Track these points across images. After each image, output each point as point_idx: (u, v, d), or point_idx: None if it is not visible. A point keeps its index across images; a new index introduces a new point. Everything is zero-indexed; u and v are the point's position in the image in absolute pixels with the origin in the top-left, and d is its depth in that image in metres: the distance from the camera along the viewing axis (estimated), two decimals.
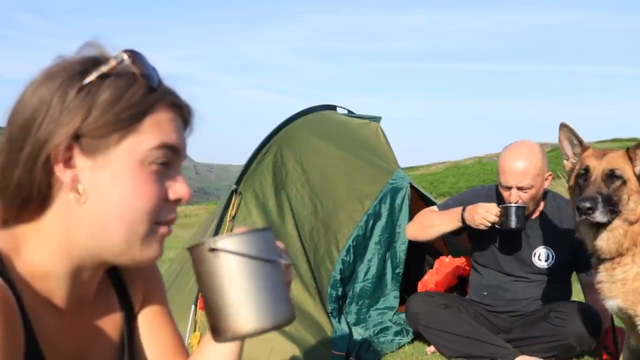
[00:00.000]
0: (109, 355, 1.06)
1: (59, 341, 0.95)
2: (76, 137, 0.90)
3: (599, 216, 2.32)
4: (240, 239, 0.85)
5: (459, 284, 4.09)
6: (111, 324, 1.07)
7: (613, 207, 2.33)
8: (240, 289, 0.83)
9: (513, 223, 3.18)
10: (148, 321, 1.15)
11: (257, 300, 0.83)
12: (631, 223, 2.34)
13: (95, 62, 0.93)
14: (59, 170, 0.91)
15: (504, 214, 3.19)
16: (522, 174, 3.16)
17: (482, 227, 3.25)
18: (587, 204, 2.31)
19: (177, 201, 0.97)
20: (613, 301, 2.42)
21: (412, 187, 4.08)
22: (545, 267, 3.36)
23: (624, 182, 2.35)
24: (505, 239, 3.40)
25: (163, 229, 0.96)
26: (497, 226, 3.24)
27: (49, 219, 0.94)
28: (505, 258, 3.43)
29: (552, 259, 3.35)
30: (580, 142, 2.54)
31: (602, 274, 2.44)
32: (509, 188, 3.21)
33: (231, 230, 3.39)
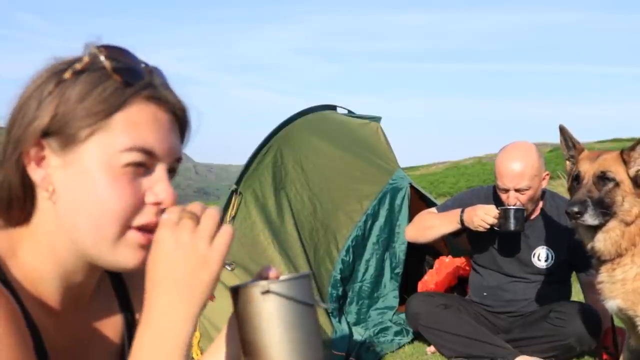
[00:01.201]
0: (109, 357, 1.06)
1: (57, 342, 0.95)
2: (46, 134, 0.88)
3: (589, 219, 2.33)
4: (292, 284, 0.90)
5: (459, 284, 4.09)
6: (111, 327, 1.06)
7: (605, 210, 2.34)
8: (287, 329, 0.89)
9: (512, 225, 3.18)
10: None
11: (302, 340, 0.89)
12: (627, 224, 2.35)
13: (78, 60, 0.91)
14: (31, 169, 0.90)
15: (503, 216, 3.18)
16: (519, 175, 3.15)
17: (480, 229, 3.24)
18: (575, 209, 2.33)
19: (157, 205, 0.91)
20: (613, 301, 2.43)
21: (412, 187, 4.08)
22: (545, 267, 3.36)
23: (617, 184, 2.35)
24: (504, 239, 3.40)
25: (136, 235, 0.90)
26: (495, 228, 3.24)
27: (37, 221, 0.93)
28: (504, 259, 3.43)
29: (552, 259, 3.35)
30: (575, 145, 2.55)
31: (603, 275, 2.44)
32: (507, 190, 3.21)
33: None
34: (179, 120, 0.96)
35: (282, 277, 0.93)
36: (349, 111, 4.63)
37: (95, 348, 1.03)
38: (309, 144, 3.95)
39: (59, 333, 0.96)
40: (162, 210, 0.91)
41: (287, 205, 3.62)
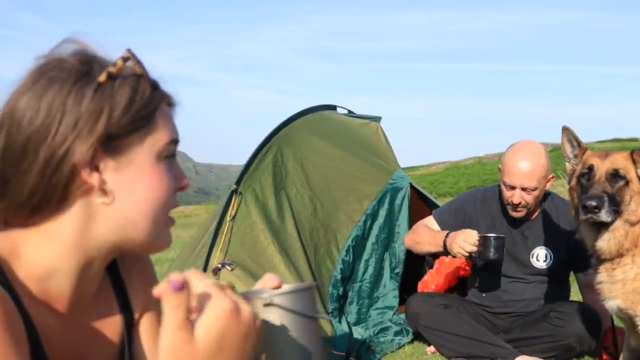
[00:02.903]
0: (109, 358, 1.06)
1: (59, 343, 0.95)
2: (102, 139, 0.90)
3: (604, 215, 2.33)
4: (295, 297, 0.89)
5: (459, 284, 4.09)
6: (111, 326, 1.06)
7: (616, 207, 2.34)
8: (289, 342, 0.88)
9: (491, 254, 3.10)
10: (146, 330, 1.14)
11: (303, 353, 0.88)
12: (632, 224, 2.35)
13: (91, 61, 0.93)
14: (86, 174, 0.91)
15: (482, 244, 3.11)
16: (528, 175, 3.14)
17: (460, 257, 3.22)
18: (594, 203, 2.31)
19: (181, 189, 1.02)
20: (613, 302, 2.43)
21: (412, 187, 4.09)
22: (544, 267, 3.36)
23: (627, 183, 2.36)
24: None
25: (171, 218, 1.01)
26: (474, 256, 3.17)
27: (62, 220, 0.93)
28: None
29: (551, 259, 3.35)
30: (579, 144, 2.56)
31: (602, 275, 2.44)
32: (513, 188, 3.20)
33: (230, 231, 3.39)
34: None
35: (285, 289, 0.90)
36: (349, 111, 4.63)
37: (96, 348, 1.03)
38: (309, 144, 3.95)
39: (61, 333, 0.96)
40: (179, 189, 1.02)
41: (287, 205, 3.63)
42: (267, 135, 3.80)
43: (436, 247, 3.37)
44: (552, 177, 3.32)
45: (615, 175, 2.38)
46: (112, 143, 0.91)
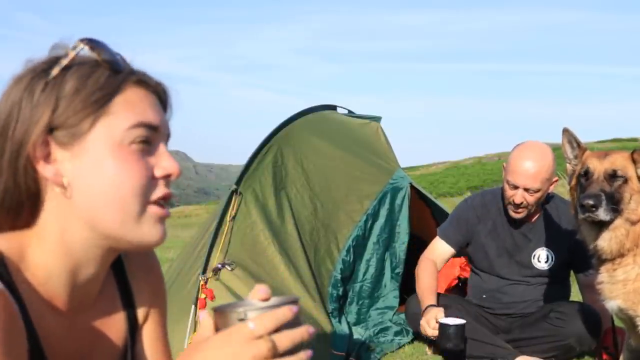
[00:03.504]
0: (113, 358, 1.06)
1: (62, 343, 0.95)
2: (50, 130, 0.90)
3: (602, 214, 2.33)
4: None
5: (459, 284, 4.09)
6: (115, 326, 1.06)
7: (615, 206, 2.34)
8: None
9: (448, 344, 2.96)
10: (150, 332, 1.14)
11: None
12: (633, 223, 2.35)
13: (58, 58, 0.94)
14: (41, 167, 0.91)
15: (440, 331, 3.00)
16: (533, 176, 3.13)
17: (430, 333, 3.11)
18: (591, 201, 2.32)
19: (166, 178, 0.96)
20: (614, 302, 2.43)
21: (412, 187, 4.09)
22: (546, 268, 3.36)
23: (626, 182, 2.37)
24: (503, 245, 3.39)
25: (157, 209, 0.95)
26: (437, 340, 3.05)
27: (44, 220, 0.94)
28: (504, 263, 3.41)
29: (552, 260, 3.35)
30: (579, 144, 2.57)
31: (603, 275, 2.44)
32: (516, 187, 3.18)
33: (230, 231, 3.39)
34: (161, 100, 1.01)
35: (263, 304, 0.87)
36: (349, 111, 4.63)
37: (99, 347, 1.03)
38: (309, 144, 3.95)
39: (64, 334, 0.96)
40: (168, 181, 0.96)
41: (287, 205, 3.62)
42: (267, 135, 3.80)
43: (421, 307, 3.28)
44: (557, 180, 3.30)
45: (613, 175, 2.39)
46: (62, 132, 0.90)
